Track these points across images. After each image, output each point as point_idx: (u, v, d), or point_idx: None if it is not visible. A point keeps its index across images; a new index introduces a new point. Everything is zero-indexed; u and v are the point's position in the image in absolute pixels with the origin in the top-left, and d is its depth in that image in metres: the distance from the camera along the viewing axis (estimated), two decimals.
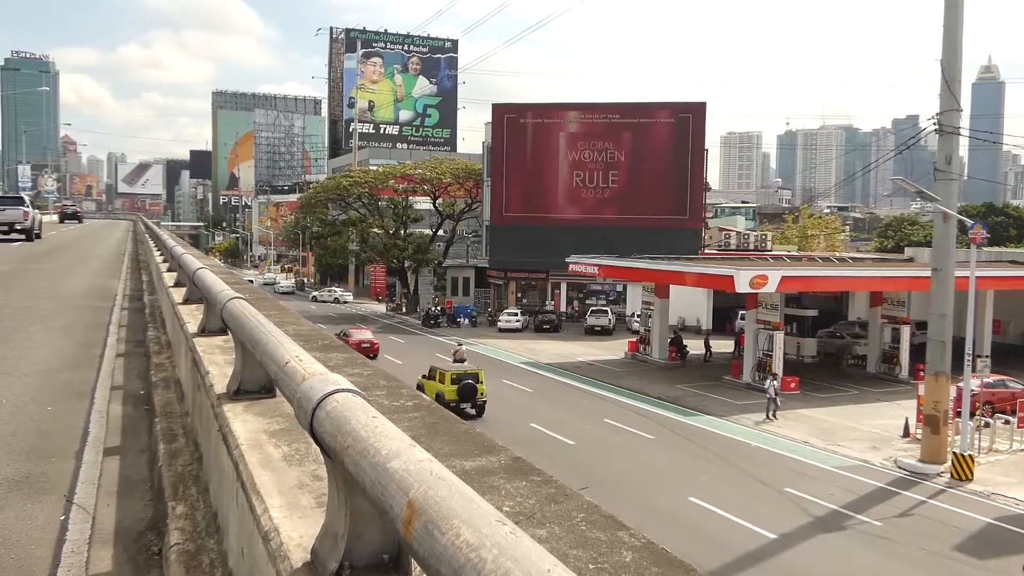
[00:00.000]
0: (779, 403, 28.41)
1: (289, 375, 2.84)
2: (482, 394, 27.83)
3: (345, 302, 72.30)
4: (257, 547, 2.62)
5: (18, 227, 29.16)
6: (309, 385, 2.46)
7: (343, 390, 2.32)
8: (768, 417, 28.13)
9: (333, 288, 76.81)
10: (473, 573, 1.32)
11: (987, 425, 24.64)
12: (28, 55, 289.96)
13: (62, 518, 4.68)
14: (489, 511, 1.48)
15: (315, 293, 77.73)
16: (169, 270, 11.86)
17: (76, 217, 56.06)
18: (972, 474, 21.55)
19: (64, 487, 5.18)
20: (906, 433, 25.92)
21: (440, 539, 1.45)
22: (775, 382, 28.86)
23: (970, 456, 21.90)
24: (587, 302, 57.44)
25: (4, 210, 29.71)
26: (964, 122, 24.90)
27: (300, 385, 2.55)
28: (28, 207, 30.64)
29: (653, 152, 55.94)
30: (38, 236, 31.00)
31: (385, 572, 2.07)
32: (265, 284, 78.47)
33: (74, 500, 4.95)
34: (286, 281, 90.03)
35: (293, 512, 2.61)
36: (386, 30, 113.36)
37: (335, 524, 2.15)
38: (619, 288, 56.64)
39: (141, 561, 4.11)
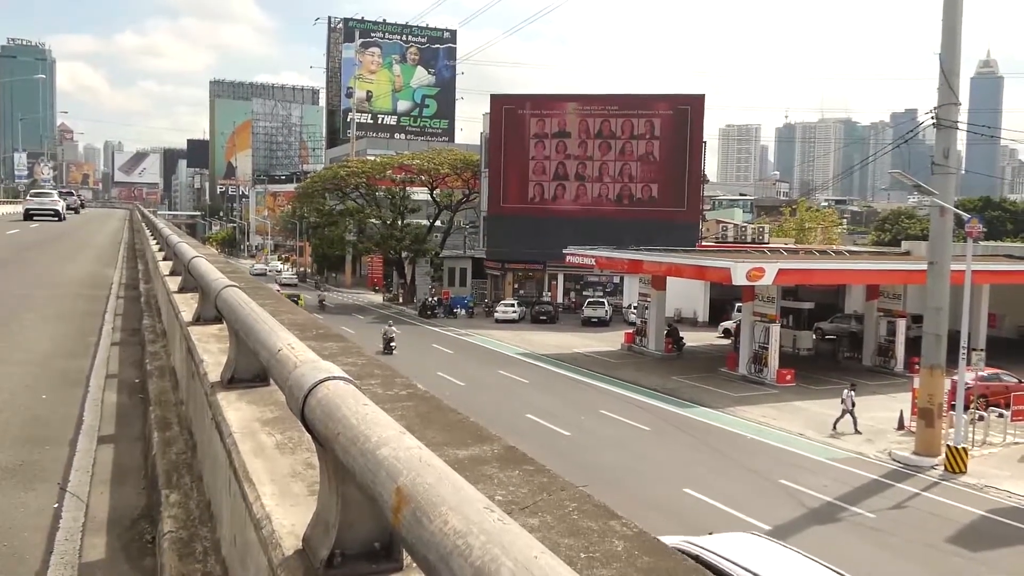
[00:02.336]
0: (855, 415, 25.59)
1: (281, 363, 2.83)
2: (301, 306, 41.35)
3: (293, 285, 77.28)
4: (249, 535, 2.63)
5: (74, 207, 52.36)
6: (300, 373, 2.46)
7: (334, 378, 2.32)
8: (854, 430, 25.33)
9: (281, 271, 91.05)
10: (460, 560, 1.32)
11: (981, 418, 24.72)
12: (24, 42, 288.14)
13: (55, 506, 4.68)
14: (477, 498, 1.48)
15: (276, 277, 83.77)
16: (165, 259, 11.84)
17: (81, 205, 75.55)
18: (966, 467, 21.62)
19: (58, 475, 5.18)
20: (901, 426, 25.99)
21: (428, 526, 1.45)
22: (852, 393, 25.76)
23: (964, 449, 21.97)
24: (584, 293, 57.46)
25: (67, 198, 51.39)
26: (962, 116, 24.92)
27: (292, 373, 2.55)
28: (76, 196, 61.61)
29: (651, 144, 55.87)
30: (79, 212, 54.45)
31: (376, 560, 2.07)
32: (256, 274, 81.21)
33: (68, 488, 4.95)
34: (259, 265, 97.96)
35: (285, 500, 2.62)
36: (384, 20, 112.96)
37: (327, 512, 2.15)
38: (616, 280, 56.63)
39: (134, 549, 4.11)
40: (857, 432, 25.26)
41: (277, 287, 54.10)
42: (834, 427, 25.69)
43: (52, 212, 40.38)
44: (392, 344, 39.25)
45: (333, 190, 69.06)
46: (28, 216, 40.02)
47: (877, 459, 23.31)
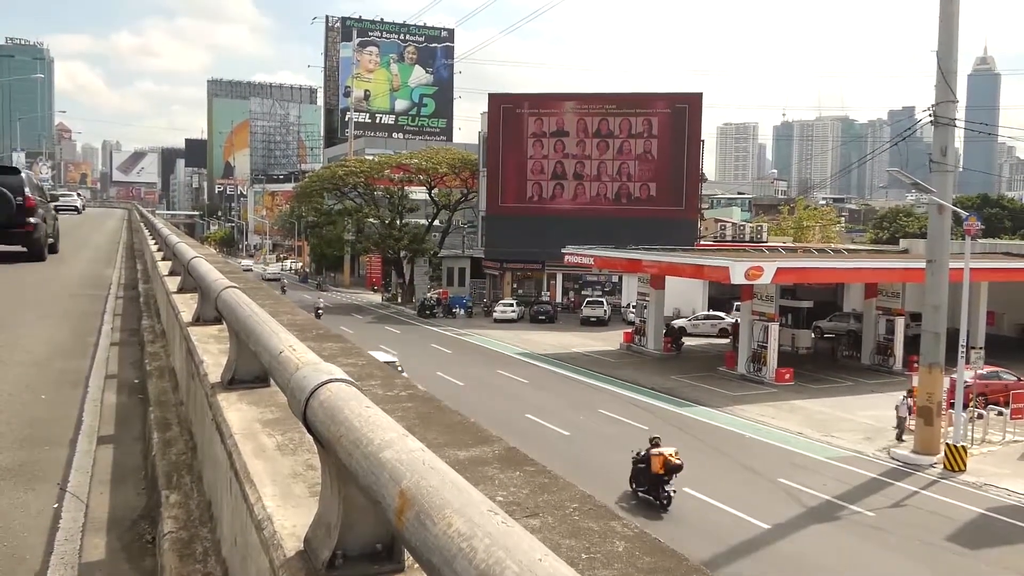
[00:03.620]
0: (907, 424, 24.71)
1: (283, 364, 2.83)
2: None
3: (276, 279, 78.02)
4: (250, 536, 2.63)
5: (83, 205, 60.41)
6: (303, 375, 2.45)
7: (337, 380, 2.32)
8: (899, 439, 24.66)
9: (266, 267, 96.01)
10: (464, 562, 1.32)
11: (980, 416, 24.74)
12: (23, 42, 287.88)
13: (55, 506, 4.67)
14: (481, 500, 1.48)
15: (263, 273, 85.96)
16: (164, 259, 11.83)
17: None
18: (965, 465, 21.65)
19: (57, 475, 5.17)
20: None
21: (432, 529, 1.45)
22: (908, 400, 24.89)
23: (963, 447, 22.00)
24: (583, 293, 57.46)
25: (80, 197, 62.73)
26: (960, 114, 24.95)
27: (294, 375, 2.55)
28: (80, 198, 66.60)
29: (649, 143, 55.89)
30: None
31: (378, 561, 2.07)
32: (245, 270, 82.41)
33: (67, 488, 4.95)
34: (246, 261, 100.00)
35: (287, 501, 2.61)
36: (382, 19, 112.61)
37: (328, 513, 2.14)
38: (615, 279, 56.65)
39: (134, 549, 4.11)
40: (901, 441, 24.56)
41: (263, 280, 57.10)
42: (897, 437, 24.86)
43: (72, 208, 52.69)
44: (320, 312, 49.82)
45: (331, 189, 69.02)
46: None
47: (876, 458, 23.34)
